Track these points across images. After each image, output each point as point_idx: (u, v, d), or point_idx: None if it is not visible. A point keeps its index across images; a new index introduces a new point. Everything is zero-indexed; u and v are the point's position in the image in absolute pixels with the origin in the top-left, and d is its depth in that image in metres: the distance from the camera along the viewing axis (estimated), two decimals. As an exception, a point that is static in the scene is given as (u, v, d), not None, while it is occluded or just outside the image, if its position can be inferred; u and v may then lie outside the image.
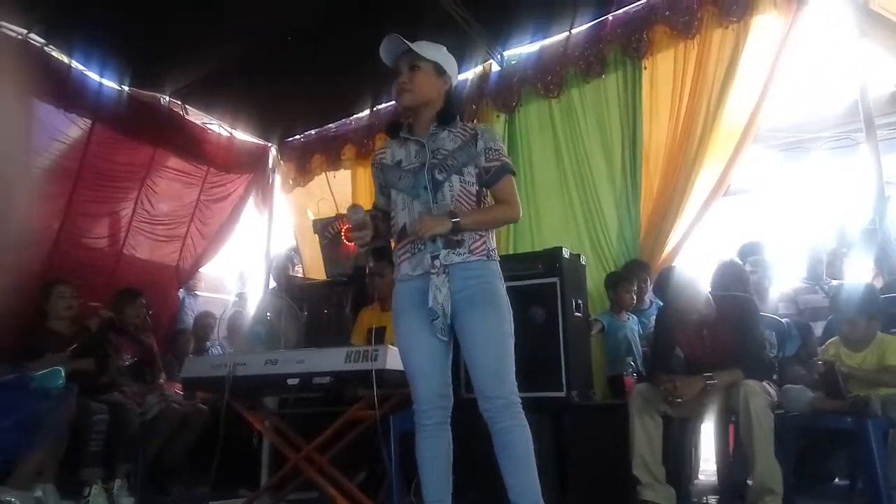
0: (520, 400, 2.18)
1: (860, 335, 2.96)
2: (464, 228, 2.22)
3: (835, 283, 4.09)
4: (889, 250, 3.88)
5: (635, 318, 4.34)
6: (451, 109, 2.41)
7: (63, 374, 3.56)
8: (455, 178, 2.29)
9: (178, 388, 4.34)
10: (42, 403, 3.32)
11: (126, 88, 5.20)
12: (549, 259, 3.55)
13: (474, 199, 2.33)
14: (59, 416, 3.42)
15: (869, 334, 2.95)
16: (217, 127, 6.04)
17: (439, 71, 2.39)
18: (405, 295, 2.31)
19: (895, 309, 3.20)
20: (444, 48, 2.44)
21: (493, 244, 2.36)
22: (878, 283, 3.88)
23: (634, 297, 4.32)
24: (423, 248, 2.25)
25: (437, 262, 2.22)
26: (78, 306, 4.14)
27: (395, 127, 2.45)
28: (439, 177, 2.28)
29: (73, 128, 4.87)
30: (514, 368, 2.21)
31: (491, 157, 2.34)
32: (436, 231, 2.18)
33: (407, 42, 2.32)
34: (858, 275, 4.04)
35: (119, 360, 4.19)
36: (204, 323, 5.43)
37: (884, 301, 3.16)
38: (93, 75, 4.97)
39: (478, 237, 2.29)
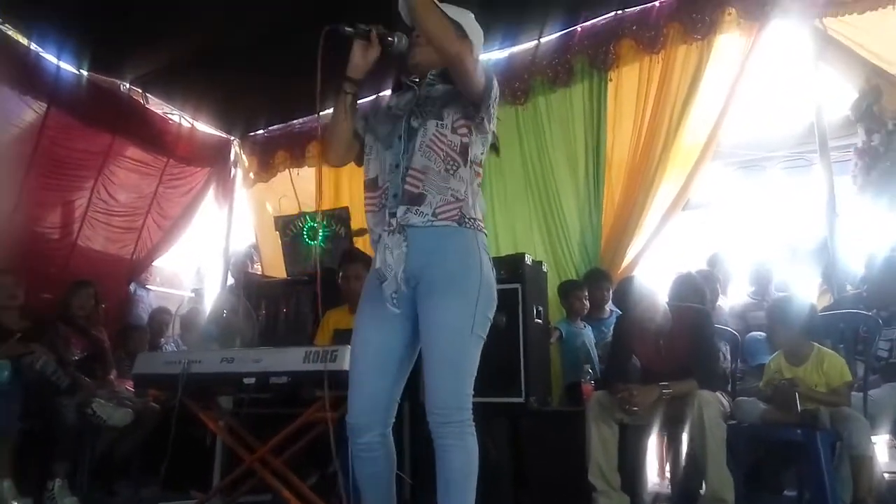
0: (468, 416, 1.86)
1: (796, 348, 3.04)
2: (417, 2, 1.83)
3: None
4: (837, 268, 4.00)
5: (590, 327, 4.39)
6: None
7: (8, 366, 3.44)
8: (431, 124, 1.96)
9: (129, 385, 4.22)
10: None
11: (85, 73, 5.06)
12: (512, 265, 3.56)
13: (451, 145, 1.96)
14: (7, 410, 3.29)
15: (806, 348, 3.03)
16: (178, 117, 5.91)
17: (461, 33, 2.05)
18: (371, 273, 2.03)
19: (843, 325, 3.29)
20: (472, 16, 2.14)
21: (477, 213, 1.99)
22: (828, 300, 4.01)
23: (586, 304, 4.38)
24: (385, 201, 1.97)
25: (393, 221, 1.92)
26: (24, 296, 3.98)
27: (402, 70, 2.15)
28: (414, 123, 1.98)
29: (28, 111, 4.71)
30: (473, 375, 1.89)
31: None
32: None
33: None
34: (804, 290, 4.15)
35: (69, 353, 4.05)
36: (159, 319, 5.30)
37: (824, 317, 3.27)
38: (50, 57, 4.82)
39: (451, 199, 1.93)
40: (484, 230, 2.01)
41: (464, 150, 1.98)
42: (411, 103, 2.04)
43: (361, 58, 2.02)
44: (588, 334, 4.32)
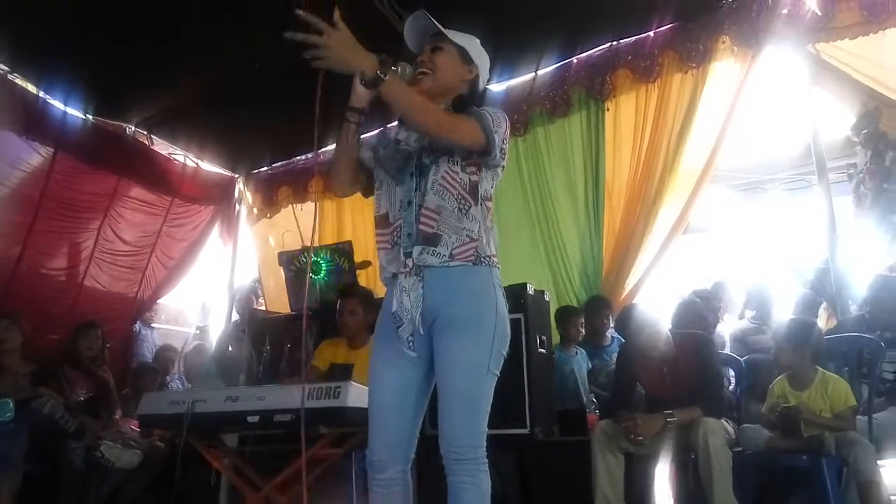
0: (483, 453, 1.86)
1: (801, 372, 3.03)
2: (385, 90, 1.77)
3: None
4: (841, 290, 3.99)
5: (584, 352, 4.38)
6: (470, 101, 2.07)
7: (12, 405, 3.45)
8: (442, 161, 1.95)
9: (133, 425, 4.22)
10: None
11: (91, 117, 5.16)
12: (514, 295, 3.56)
13: (462, 184, 1.95)
14: (13, 449, 3.30)
15: (810, 372, 3.02)
16: (183, 157, 6.00)
17: (465, 58, 2.08)
18: (384, 312, 2.01)
19: (846, 348, 3.28)
20: (477, 40, 2.13)
21: (491, 249, 1.99)
22: (832, 323, 3.99)
23: (582, 331, 4.37)
24: (398, 239, 1.95)
25: (409, 262, 1.91)
26: (25, 340, 4.00)
27: None
28: (426, 160, 1.96)
29: (35, 156, 4.81)
30: (488, 412, 1.89)
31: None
32: (350, 64, 1.75)
33: (434, 21, 2.03)
34: (807, 313, 4.14)
35: (74, 395, 4.07)
36: (165, 357, 5.32)
37: (828, 341, 3.26)
38: (57, 104, 4.92)
39: (467, 239, 1.93)
40: (498, 265, 2.01)
41: (474, 189, 1.97)
42: (422, 139, 1.99)
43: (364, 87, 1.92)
44: (578, 361, 4.31)
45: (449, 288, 1.90)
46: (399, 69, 1.92)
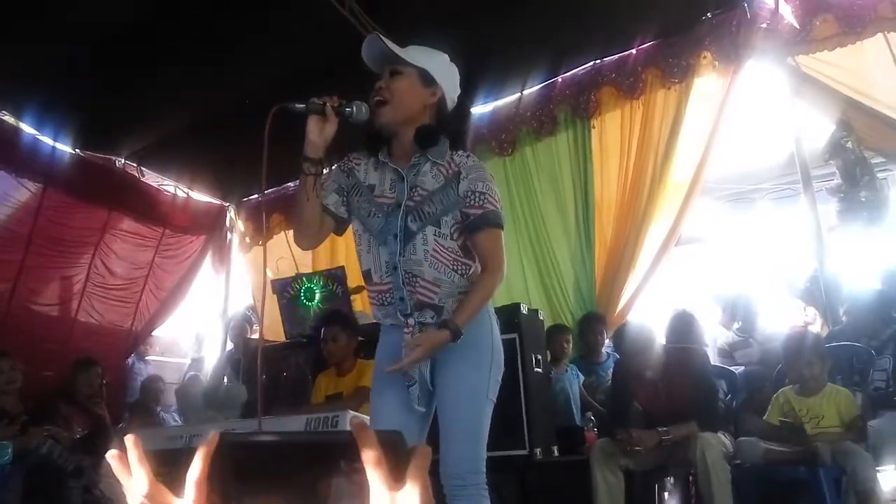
0: (483, 479, 1.89)
1: (812, 383, 3.05)
2: (462, 328, 1.86)
3: (768, 332, 4.22)
4: (832, 298, 4.01)
5: (574, 368, 4.39)
6: (435, 130, 1.96)
7: (10, 448, 3.43)
8: (430, 231, 1.91)
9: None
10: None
11: (80, 152, 5.17)
12: (508, 315, 3.57)
13: (454, 251, 1.94)
14: (10, 491, 3.27)
15: (822, 378, 3.04)
16: (173, 188, 6.01)
17: (427, 80, 1.95)
18: (384, 356, 1.99)
19: (838, 356, 3.30)
20: (445, 56, 2.02)
21: None
22: (824, 331, 4.01)
23: (568, 349, 4.39)
24: (392, 300, 1.94)
25: (410, 321, 1.92)
26: (22, 379, 3.98)
27: (373, 140, 1.99)
28: (412, 226, 1.91)
29: (25, 192, 4.81)
30: (486, 438, 1.92)
31: (471, 202, 1.93)
32: (434, 352, 1.86)
33: (387, 42, 1.92)
34: (801, 322, 4.17)
35: (71, 432, 4.04)
36: (153, 388, 5.27)
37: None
38: (46, 139, 4.93)
39: (464, 293, 1.95)
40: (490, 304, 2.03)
41: (466, 250, 1.97)
42: (402, 194, 1.93)
43: (318, 134, 1.86)
44: (569, 378, 4.32)
45: None
46: (353, 109, 1.87)
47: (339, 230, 2.08)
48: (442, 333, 1.84)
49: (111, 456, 0.57)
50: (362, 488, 0.52)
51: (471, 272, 1.97)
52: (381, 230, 1.95)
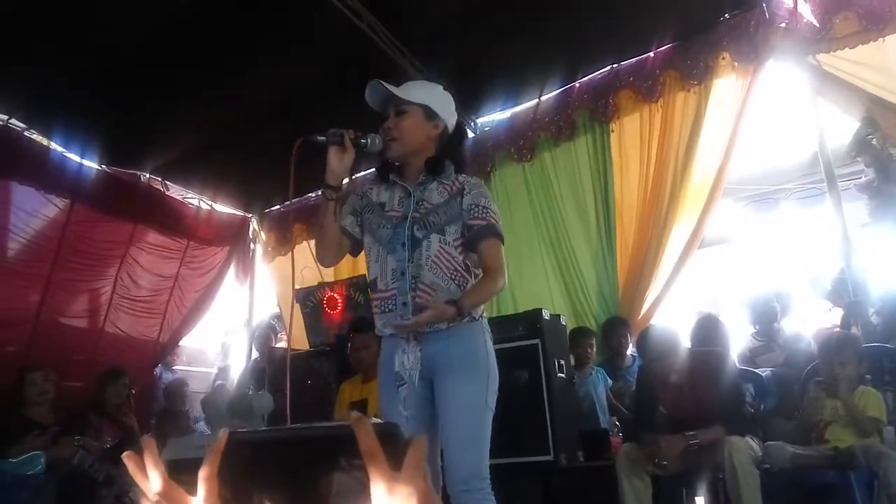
0: (488, 483, 2.00)
1: (848, 377, 3.01)
2: (467, 310, 2.03)
3: (789, 334, 4.15)
4: (860, 298, 3.95)
5: (602, 371, 4.36)
6: (442, 157, 2.20)
7: (43, 459, 3.49)
8: (434, 238, 2.09)
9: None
10: (21, 493, 3.23)
11: (106, 168, 5.26)
12: (530, 321, 3.59)
13: (456, 262, 2.12)
14: (43, 501, 3.33)
15: (855, 379, 3.00)
16: (197, 200, 6.09)
17: (429, 114, 2.18)
18: (384, 363, 2.16)
19: (871, 357, 3.25)
20: (439, 87, 2.26)
21: (480, 307, 2.18)
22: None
23: (592, 353, 4.37)
24: (393, 307, 2.10)
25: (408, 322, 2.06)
26: (53, 390, 4.05)
27: (384, 170, 2.25)
28: (418, 234, 2.10)
29: (53, 208, 4.90)
30: (489, 444, 2.04)
31: (475, 214, 2.13)
32: (437, 322, 2.01)
33: (389, 86, 2.15)
34: (832, 323, 4.10)
35: (101, 442, 4.10)
36: (178, 391, 5.33)
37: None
38: (73, 156, 5.02)
39: None
40: (485, 316, 2.21)
41: (466, 265, 2.15)
42: (409, 207, 2.15)
43: (338, 163, 2.10)
44: (594, 382, 4.30)
45: (445, 344, 2.08)
46: (368, 141, 2.11)
47: (355, 251, 2.28)
48: (449, 308, 1.99)
49: (126, 457, 0.59)
50: (363, 483, 0.54)
51: (464, 283, 2.14)
52: (390, 240, 2.14)
